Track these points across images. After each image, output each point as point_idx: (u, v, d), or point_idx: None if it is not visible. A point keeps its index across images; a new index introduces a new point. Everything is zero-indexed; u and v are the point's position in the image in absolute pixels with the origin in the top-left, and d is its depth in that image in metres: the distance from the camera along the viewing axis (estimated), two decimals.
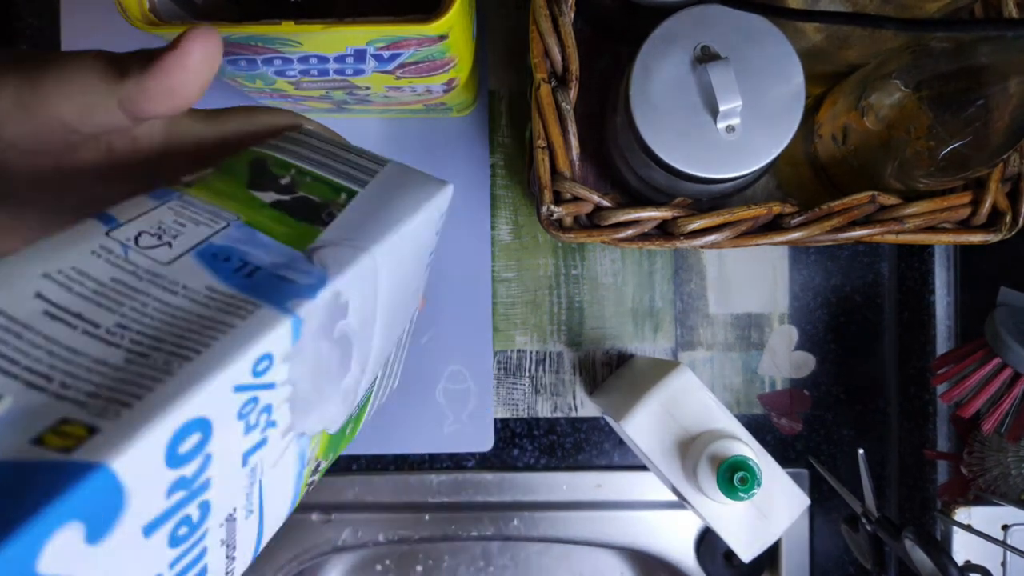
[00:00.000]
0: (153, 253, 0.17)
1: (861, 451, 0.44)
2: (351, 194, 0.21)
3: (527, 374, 0.53)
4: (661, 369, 0.40)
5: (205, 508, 0.16)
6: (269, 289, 0.17)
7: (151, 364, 0.14)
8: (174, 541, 0.15)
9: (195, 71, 0.20)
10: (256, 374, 0.16)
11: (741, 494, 0.35)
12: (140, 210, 0.18)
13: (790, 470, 0.52)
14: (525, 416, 0.53)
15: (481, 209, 0.52)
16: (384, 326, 0.22)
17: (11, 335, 0.14)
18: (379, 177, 0.23)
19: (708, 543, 0.54)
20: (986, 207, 0.39)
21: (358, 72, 0.36)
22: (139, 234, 0.17)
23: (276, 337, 0.16)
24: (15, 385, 0.13)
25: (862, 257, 0.54)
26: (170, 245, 0.17)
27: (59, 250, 0.16)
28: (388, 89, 0.40)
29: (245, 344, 0.15)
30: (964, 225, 0.40)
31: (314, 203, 0.20)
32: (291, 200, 0.20)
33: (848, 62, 0.39)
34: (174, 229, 0.18)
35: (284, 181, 0.21)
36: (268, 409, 0.17)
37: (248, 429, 0.16)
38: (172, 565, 0.15)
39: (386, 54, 0.34)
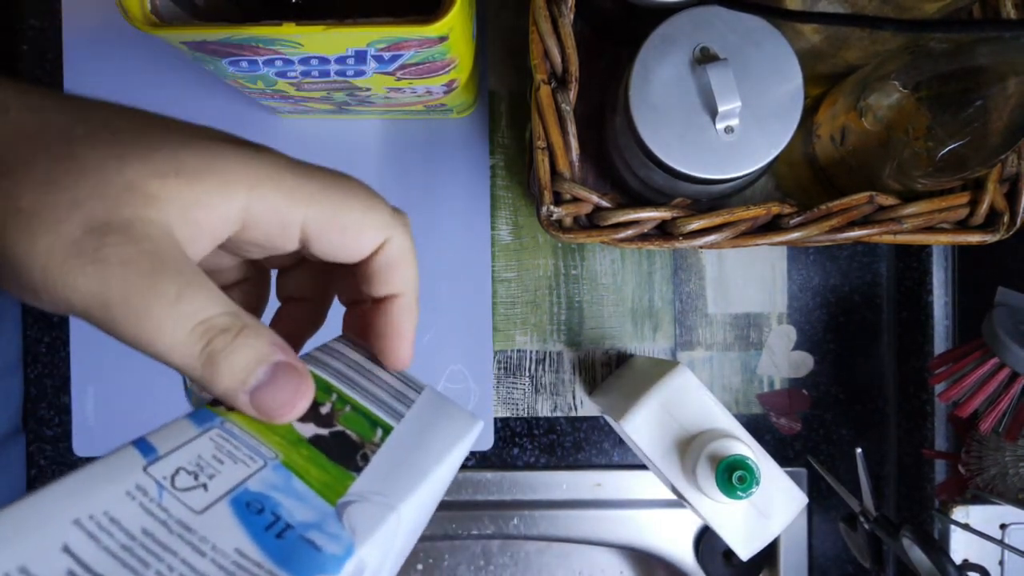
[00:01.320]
0: (188, 497, 0.17)
1: (859, 450, 0.44)
2: (387, 430, 0.21)
3: (527, 374, 0.53)
4: (660, 369, 0.40)
5: None
6: (296, 558, 0.17)
7: None
8: None
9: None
10: None
11: (740, 493, 0.35)
12: (181, 439, 0.18)
13: (789, 469, 0.52)
14: (525, 415, 0.53)
15: (481, 209, 0.52)
16: (395, 566, 0.22)
17: None
18: (415, 409, 0.23)
19: (707, 542, 0.54)
20: (984, 207, 0.39)
21: (359, 73, 0.36)
22: (176, 471, 0.17)
23: None
24: None
25: (860, 257, 0.54)
26: (205, 488, 0.17)
27: (94, 488, 0.16)
28: (388, 90, 0.40)
29: None
30: (962, 225, 0.40)
31: (351, 442, 0.20)
32: (329, 436, 0.20)
33: (847, 63, 0.39)
34: (212, 467, 0.18)
35: (324, 410, 0.21)
36: None
37: None
38: None
39: (387, 55, 0.34)
